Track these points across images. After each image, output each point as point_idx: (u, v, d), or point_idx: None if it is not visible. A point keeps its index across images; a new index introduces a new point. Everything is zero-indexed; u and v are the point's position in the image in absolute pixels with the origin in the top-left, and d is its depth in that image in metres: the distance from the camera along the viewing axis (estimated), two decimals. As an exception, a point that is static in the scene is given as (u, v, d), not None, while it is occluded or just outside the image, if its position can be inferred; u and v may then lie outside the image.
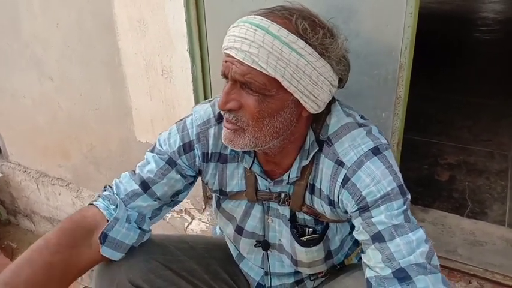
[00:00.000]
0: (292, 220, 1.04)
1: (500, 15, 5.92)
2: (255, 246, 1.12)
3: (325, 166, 0.93)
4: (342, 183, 0.90)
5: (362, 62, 1.28)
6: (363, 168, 0.87)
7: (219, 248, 1.25)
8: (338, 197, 0.93)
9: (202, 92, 1.61)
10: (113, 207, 1.02)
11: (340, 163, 0.90)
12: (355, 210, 0.89)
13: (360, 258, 1.13)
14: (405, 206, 0.87)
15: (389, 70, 1.26)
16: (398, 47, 1.21)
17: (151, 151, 1.08)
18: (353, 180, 0.88)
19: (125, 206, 1.04)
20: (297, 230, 1.04)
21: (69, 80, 1.99)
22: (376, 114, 1.33)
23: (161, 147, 1.06)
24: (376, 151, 0.88)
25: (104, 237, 0.99)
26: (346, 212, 0.94)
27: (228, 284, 1.22)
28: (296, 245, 1.03)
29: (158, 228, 1.97)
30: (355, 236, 0.92)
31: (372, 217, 0.86)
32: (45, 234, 0.97)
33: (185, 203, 1.87)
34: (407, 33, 1.19)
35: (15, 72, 2.20)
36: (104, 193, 1.06)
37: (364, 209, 0.87)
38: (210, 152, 1.05)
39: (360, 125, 0.93)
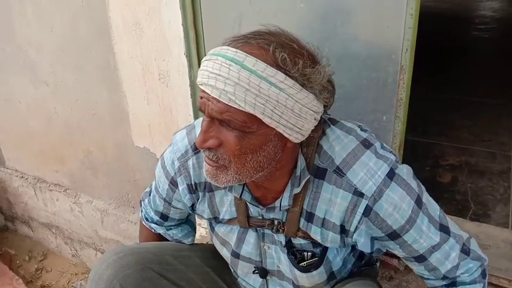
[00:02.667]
0: (289, 246, 1.00)
1: (498, 13, 5.92)
2: (253, 272, 1.09)
3: (340, 197, 0.89)
4: (363, 213, 0.87)
5: (361, 64, 1.26)
6: (384, 198, 0.86)
7: (216, 256, 1.21)
8: (357, 226, 0.90)
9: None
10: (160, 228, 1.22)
11: (359, 194, 0.86)
12: (382, 236, 0.91)
13: (360, 266, 1.11)
14: (426, 212, 0.90)
15: (390, 73, 1.23)
16: (399, 49, 1.19)
17: (155, 183, 1.16)
18: (375, 209, 0.87)
19: (160, 225, 1.22)
20: (295, 256, 1.00)
21: (65, 85, 1.97)
22: (376, 117, 1.31)
23: (158, 185, 1.12)
24: (391, 174, 0.87)
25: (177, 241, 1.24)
26: (355, 242, 0.94)
27: None
28: (296, 271, 1.00)
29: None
30: (392, 250, 0.95)
31: (407, 242, 0.90)
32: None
33: (184, 208, 1.85)
34: (407, 34, 1.17)
35: (10, 77, 2.18)
36: (144, 213, 1.24)
37: (395, 236, 0.90)
38: (193, 182, 1.02)
39: (366, 145, 0.89)
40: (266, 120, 0.76)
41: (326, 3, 1.25)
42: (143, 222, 1.24)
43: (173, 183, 1.05)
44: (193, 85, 1.56)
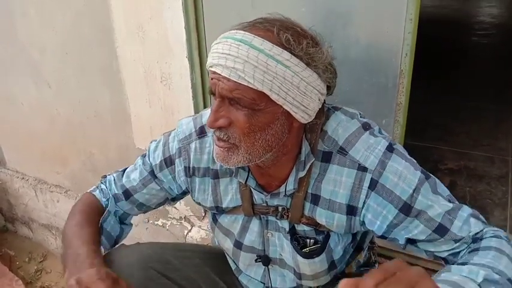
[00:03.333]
0: (292, 233, 1.02)
1: (497, 19, 5.95)
2: (256, 261, 1.11)
3: (345, 175, 0.92)
4: (369, 187, 0.90)
5: (361, 69, 1.28)
6: (387, 169, 0.89)
7: (216, 257, 1.23)
8: (365, 201, 0.92)
9: (202, 98, 1.60)
10: (104, 200, 1.13)
11: (363, 169, 0.90)
12: (397, 214, 0.89)
13: (360, 267, 1.13)
14: (432, 184, 0.90)
15: (390, 77, 1.25)
16: (399, 53, 1.21)
17: (142, 157, 1.15)
18: (381, 181, 0.89)
19: (115, 202, 1.14)
20: (298, 242, 1.02)
21: (67, 86, 1.98)
22: (376, 121, 1.29)
23: (148, 158, 1.12)
24: (391, 148, 0.91)
25: (101, 228, 1.08)
26: (363, 222, 0.95)
27: None
28: (298, 257, 1.02)
29: (158, 237, 1.96)
30: (414, 236, 0.92)
31: (421, 211, 0.88)
32: (72, 217, 1.09)
33: (185, 210, 1.86)
34: (407, 39, 1.19)
35: (12, 78, 2.19)
36: (102, 186, 1.16)
37: (407, 208, 0.89)
38: (191, 166, 1.05)
39: (366, 128, 0.94)
40: (273, 96, 0.81)
41: (327, 8, 1.26)
42: (92, 193, 1.16)
43: (168, 161, 1.08)
44: (195, 87, 1.58)
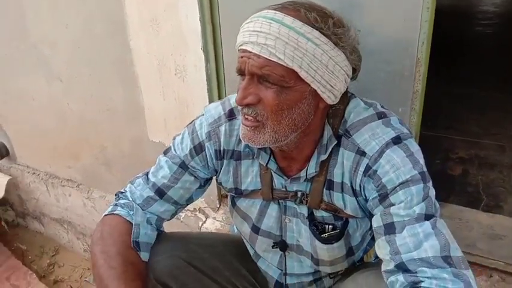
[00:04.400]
0: (311, 218, 1.03)
1: (501, 8, 5.92)
2: (273, 247, 1.12)
3: (346, 158, 0.94)
4: (364, 172, 0.91)
5: (378, 58, 1.28)
6: (384, 157, 0.88)
7: (237, 245, 1.24)
8: (360, 185, 0.93)
9: (217, 90, 1.60)
10: (132, 212, 1.06)
11: (362, 153, 0.91)
12: (375, 197, 0.90)
13: (377, 257, 1.14)
14: (425, 191, 0.86)
15: (406, 66, 1.25)
16: (415, 42, 1.21)
17: (165, 154, 1.11)
18: (374, 168, 0.89)
19: (143, 210, 1.08)
20: (317, 227, 1.03)
21: (79, 81, 1.98)
22: (392, 109, 1.28)
23: (175, 151, 1.09)
24: (397, 140, 0.89)
25: (137, 244, 1.02)
26: (367, 200, 0.95)
27: (248, 281, 1.22)
28: (317, 242, 1.03)
29: (173, 228, 1.96)
30: (372, 222, 0.92)
31: (392, 204, 0.87)
32: (96, 248, 0.99)
33: (199, 201, 1.87)
34: (424, 28, 1.18)
35: (23, 74, 2.19)
36: (121, 201, 1.09)
37: (384, 196, 0.88)
38: (222, 148, 1.06)
39: (380, 116, 0.93)
40: (303, 74, 0.83)
41: (341, -2, 1.26)
42: (115, 214, 1.06)
43: (198, 148, 1.07)
44: (209, 80, 1.58)
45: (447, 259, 0.81)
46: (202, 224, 1.88)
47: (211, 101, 1.60)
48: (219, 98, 1.61)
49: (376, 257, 1.14)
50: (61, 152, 2.32)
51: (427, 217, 0.84)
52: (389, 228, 0.86)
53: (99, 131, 2.06)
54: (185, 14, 1.49)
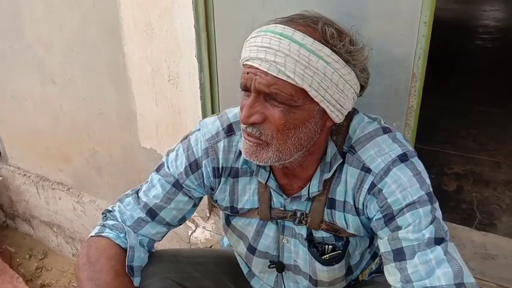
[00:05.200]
0: (310, 239, 0.99)
1: (502, 22, 5.94)
2: (269, 267, 1.08)
3: (349, 175, 0.90)
4: (368, 190, 0.87)
5: (373, 71, 1.24)
6: (390, 175, 0.85)
7: (229, 261, 1.21)
8: (363, 203, 0.90)
9: (210, 99, 1.58)
10: (122, 235, 1.00)
11: (367, 170, 0.87)
12: (379, 218, 0.87)
13: (371, 273, 1.11)
14: (432, 213, 0.83)
15: (402, 80, 1.23)
16: (411, 56, 1.19)
17: (157, 172, 1.04)
18: (379, 186, 0.85)
19: (134, 232, 1.02)
20: (317, 249, 0.99)
21: (73, 84, 1.96)
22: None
23: (168, 169, 1.02)
24: (404, 158, 0.86)
25: (131, 269, 0.98)
26: (369, 219, 0.91)
27: None
28: (317, 264, 0.99)
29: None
30: (379, 245, 0.89)
31: (399, 228, 0.84)
32: (82, 275, 0.94)
33: (189, 210, 1.84)
34: (421, 42, 1.17)
35: (17, 75, 2.17)
36: (109, 222, 1.02)
37: (390, 218, 0.85)
38: (221, 166, 1.00)
39: (385, 131, 0.90)
40: (312, 93, 0.79)
41: (340, 10, 1.24)
42: (103, 236, 0.99)
43: (194, 166, 1.00)
44: (203, 87, 1.56)
45: (460, 286, 0.78)
46: (191, 233, 1.85)
47: (203, 109, 1.58)
48: (212, 106, 1.59)
49: (371, 273, 1.11)
50: (52, 154, 2.30)
51: (438, 241, 0.81)
52: (399, 254, 0.83)
53: (91, 134, 2.04)
54: (180, 20, 1.48)
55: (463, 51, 4.62)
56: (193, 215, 1.82)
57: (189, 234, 1.85)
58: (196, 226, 1.85)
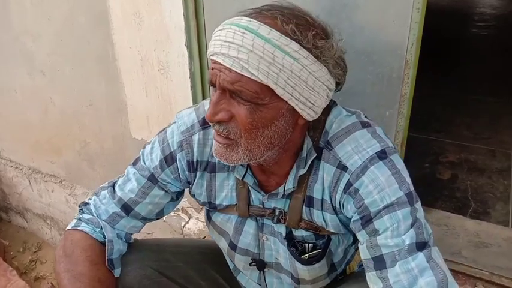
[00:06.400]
0: (289, 238, 0.96)
1: (498, 10, 5.90)
2: (250, 265, 1.06)
3: (326, 172, 0.87)
4: (344, 188, 0.84)
5: (366, 59, 1.24)
6: (367, 174, 0.81)
7: (215, 252, 1.18)
8: (340, 203, 0.87)
9: (200, 88, 1.56)
10: (98, 229, 0.99)
11: (342, 167, 0.83)
12: (357, 220, 0.83)
13: (361, 265, 1.10)
14: (413, 215, 0.80)
15: (394, 68, 1.21)
16: (404, 44, 1.17)
17: (133, 165, 1.02)
18: (356, 186, 0.82)
19: (111, 226, 1.01)
20: (296, 248, 0.96)
21: (62, 75, 1.93)
22: (379, 112, 1.29)
23: (144, 162, 1.00)
24: (382, 155, 0.82)
25: (111, 262, 0.97)
26: (348, 218, 0.89)
27: None
28: (297, 263, 0.97)
29: (155, 229, 1.93)
30: (359, 251, 0.86)
31: (376, 231, 0.80)
32: (59, 267, 0.93)
33: (182, 202, 1.81)
34: (414, 29, 1.15)
35: (5, 66, 2.14)
36: (85, 216, 1.01)
37: (366, 220, 0.82)
38: (195, 160, 0.97)
39: (364, 125, 0.86)
40: (279, 91, 0.75)
41: (331, -4, 1.22)
42: (79, 229, 0.99)
43: (169, 159, 0.98)
44: (193, 77, 1.53)
45: None
46: (185, 225, 1.84)
47: (194, 98, 1.56)
48: (203, 96, 1.57)
49: (360, 265, 1.10)
50: (44, 147, 2.27)
51: (419, 246, 0.78)
52: (379, 263, 0.80)
53: (82, 126, 2.01)
54: (169, 8, 1.45)
55: (457, 39, 4.59)
56: (187, 206, 1.83)
57: (183, 225, 1.84)
58: (190, 217, 1.84)
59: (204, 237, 1.76)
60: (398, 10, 1.14)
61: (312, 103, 0.78)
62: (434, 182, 1.98)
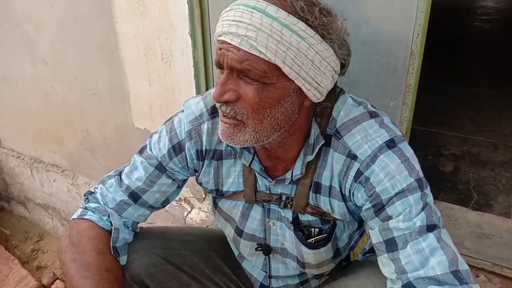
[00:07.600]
0: (296, 223, 0.97)
1: (501, 4, 5.88)
2: (256, 250, 1.07)
3: (335, 160, 0.87)
4: (354, 177, 0.85)
5: (371, 49, 1.23)
6: (377, 162, 0.81)
7: (220, 240, 1.19)
8: (350, 191, 0.88)
9: (204, 77, 1.55)
10: (105, 217, 0.99)
11: (353, 156, 0.84)
12: (369, 208, 0.84)
13: (365, 253, 1.10)
14: (423, 200, 0.81)
15: (400, 58, 1.21)
16: (410, 33, 1.17)
17: (140, 154, 1.02)
18: (366, 174, 0.83)
19: (118, 215, 1.01)
20: (302, 232, 0.97)
21: (64, 64, 1.92)
22: (384, 103, 1.28)
23: (151, 151, 1.00)
24: (391, 144, 0.83)
25: (116, 250, 0.97)
26: (358, 206, 0.89)
27: (230, 278, 1.18)
28: (303, 247, 0.98)
29: (157, 218, 1.93)
30: (370, 235, 0.87)
31: (390, 217, 0.81)
32: (65, 257, 0.93)
33: (185, 191, 1.83)
34: (419, 19, 1.14)
35: (7, 54, 2.13)
36: (91, 205, 1.01)
37: (379, 207, 0.82)
38: (204, 149, 0.98)
39: (372, 115, 0.87)
40: (286, 70, 0.76)
41: (337, -15, 1.21)
42: (86, 218, 0.98)
43: (177, 148, 0.98)
44: (196, 66, 1.52)
45: (457, 274, 0.76)
46: (187, 214, 1.84)
47: (197, 87, 1.55)
48: (206, 84, 1.56)
49: (365, 253, 1.10)
50: (45, 136, 2.27)
51: (430, 228, 0.79)
52: (391, 245, 0.81)
53: (84, 115, 2.01)
54: (173, -4, 1.44)
55: (461, 32, 4.58)
56: (189, 196, 1.83)
57: (185, 215, 1.84)
58: (192, 207, 1.84)
59: (206, 227, 1.76)
60: (404, 0, 1.13)
61: (317, 83, 0.79)
62: (436, 174, 1.99)
